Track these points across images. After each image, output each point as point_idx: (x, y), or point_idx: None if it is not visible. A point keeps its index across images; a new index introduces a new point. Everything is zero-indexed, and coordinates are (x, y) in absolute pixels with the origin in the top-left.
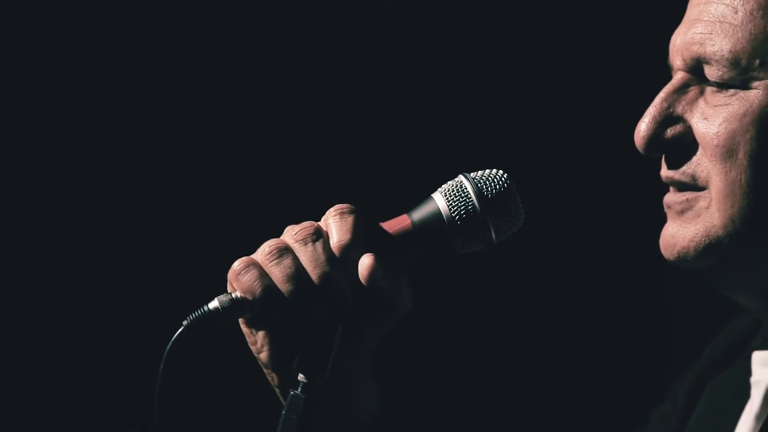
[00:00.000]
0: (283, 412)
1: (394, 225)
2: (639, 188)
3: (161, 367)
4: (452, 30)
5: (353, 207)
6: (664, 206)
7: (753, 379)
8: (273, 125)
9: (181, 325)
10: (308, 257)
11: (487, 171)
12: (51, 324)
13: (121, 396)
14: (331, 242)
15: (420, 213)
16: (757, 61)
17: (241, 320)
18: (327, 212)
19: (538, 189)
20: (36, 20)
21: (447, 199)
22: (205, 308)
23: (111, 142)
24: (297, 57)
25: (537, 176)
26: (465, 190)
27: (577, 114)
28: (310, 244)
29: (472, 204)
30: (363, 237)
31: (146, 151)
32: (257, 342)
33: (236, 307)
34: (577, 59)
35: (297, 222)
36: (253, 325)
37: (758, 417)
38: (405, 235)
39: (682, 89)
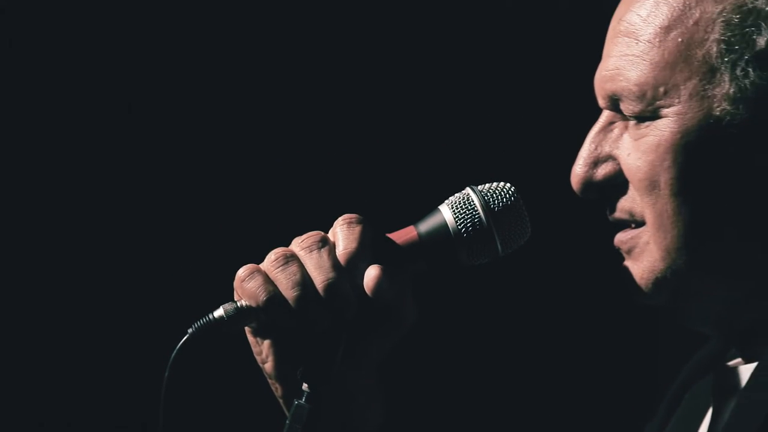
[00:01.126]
0: (287, 421)
1: (400, 236)
2: None
3: (166, 374)
4: (463, 36)
5: (361, 217)
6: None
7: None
8: (281, 132)
9: (186, 333)
10: (313, 264)
11: (495, 184)
12: (58, 330)
13: (126, 403)
14: (337, 251)
15: (426, 225)
16: (662, 89)
17: (247, 329)
18: (335, 222)
19: (545, 202)
20: (36, 20)
21: (454, 211)
22: (210, 316)
23: (114, 147)
24: (298, 59)
25: (544, 189)
26: (472, 203)
27: (585, 126)
28: (315, 251)
29: (479, 217)
30: (369, 247)
31: (151, 156)
32: (262, 352)
33: (241, 315)
34: (584, 68)
35: (304, 232)
36: (259, 334)
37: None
38: (411, 246)
39: (607, 128)
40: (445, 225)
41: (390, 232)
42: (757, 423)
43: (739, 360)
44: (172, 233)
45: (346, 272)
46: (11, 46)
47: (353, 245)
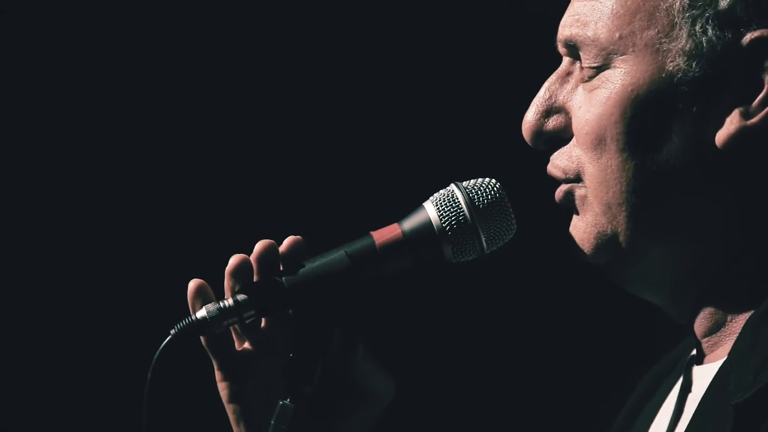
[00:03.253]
0: (272, 422)
1: (384, 234)
2: None
3: (149, 376)
4: (450, 33)
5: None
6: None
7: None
8: (270, 130)
9: (169, 334)
10: None
11: (480, 180)
12: (37, 331)
13: (108, 405)
14: None
15: (410, 222)
16: (618, 34)
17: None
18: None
19: (531, 198)
20: (36, 20)
21: (438, 208)
22: (193, 317)
23: (113, 147)
24: (297, 58)
25: (530, 185)
26: (456, 200)
27: None
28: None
29: (463, 214)
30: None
31: (150, 156)
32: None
33: (224, 316)
34: None
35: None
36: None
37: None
38: (395, 244)
39: (564, 78)
40: (429, 222)
41: (374, 230)
42: (720, 427)
43: (702, 356)
44: (165, 233)
45: None
46: (11, 46)
47: None
